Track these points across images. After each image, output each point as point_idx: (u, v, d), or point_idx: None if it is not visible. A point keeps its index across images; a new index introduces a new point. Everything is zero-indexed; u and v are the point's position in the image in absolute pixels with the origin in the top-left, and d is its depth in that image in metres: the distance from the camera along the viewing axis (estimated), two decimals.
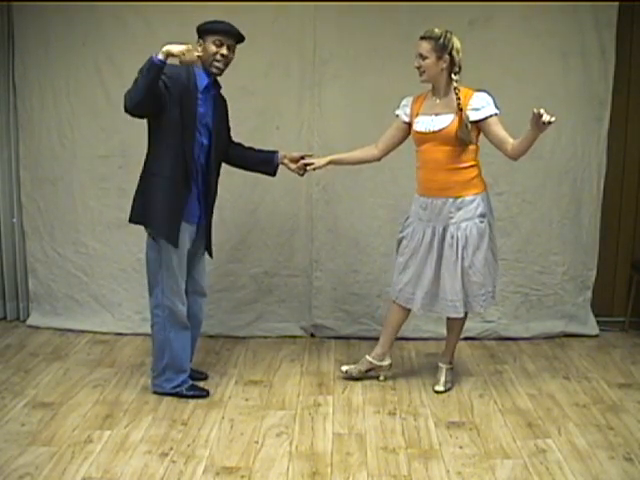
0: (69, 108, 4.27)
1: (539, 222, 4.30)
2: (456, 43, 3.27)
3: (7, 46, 4.29)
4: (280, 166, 3.65)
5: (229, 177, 4.18)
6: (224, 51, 3.35)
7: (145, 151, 3.40)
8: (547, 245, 4.32)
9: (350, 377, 3.67)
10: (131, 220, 3.41)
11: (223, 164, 3.59)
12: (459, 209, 3.34)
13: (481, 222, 3.35)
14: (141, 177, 3.40)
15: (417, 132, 3.38)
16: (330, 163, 3.62)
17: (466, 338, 4.32)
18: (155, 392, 3.50)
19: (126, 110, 3.16)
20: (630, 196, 4.46)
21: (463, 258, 3.35)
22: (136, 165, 4.15)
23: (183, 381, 3.49)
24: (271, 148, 3.69)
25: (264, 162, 3.64)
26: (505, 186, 4.25)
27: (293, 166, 3.63)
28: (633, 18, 4.22)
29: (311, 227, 4.31)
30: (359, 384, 3.67)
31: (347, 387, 3.64)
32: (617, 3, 4.12)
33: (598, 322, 4.44)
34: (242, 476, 2.77)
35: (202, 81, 3.36)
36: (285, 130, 4.21)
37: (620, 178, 4.41)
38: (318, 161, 3.61)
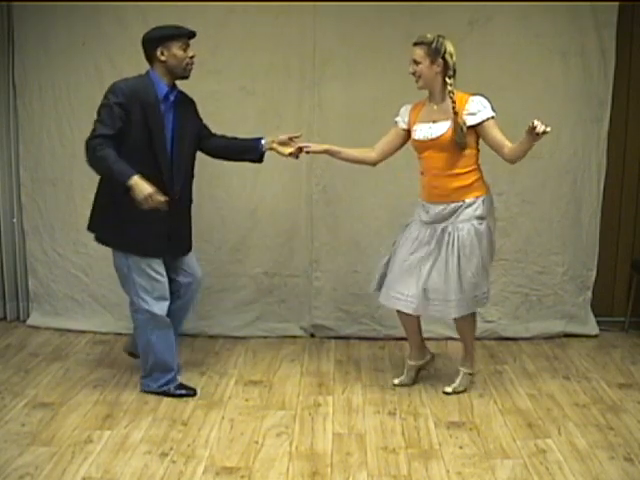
0: (69, 108, 4.27)
1: (539, 222, 4.30)
2: (449, 47, 3.27)
3: (7, 46, 4.28)
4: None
5: (229, 177, 4.19)
6: (191, 53, 3.35)
7: None
8: (547, 245, 4.32)
9: (406, 384, 3.65)
10: (101, 241, 3.45)
11: (212, 158, 3.65)
12: (458, 211, 3.35)
13: (479, 224, 3.34)
14: (106, 196, 3.34)
15: (416, 140, 3.40)
16: (326, 152, 3.61)
17: None
18: (144, 391, 3.51)
19: (88, 146, 3.19)
20: (630, 196, 4.46)
21: (459, 258, 3.34)
22: None
23: (169, 380, 3.49)
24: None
25: (248, 150, 3.62)
26: (505, 186, 4.24)
27: (287, 150, 3.57)
28: (633, 18, 4.22)
29: (311, 227, 4.31)
30: (359, 384, 3.67)
31: (347, 387, 3.64)
32: (617, 3, 4.12)
33: (598, 322, 4.43)
34: (242, 476, 2.77)
35: (162, 90, 3.34)
36: (285, 130, 4.17)
37: (620, 178, 4.41)
38: (315, 146, 3.60)
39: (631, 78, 4.30)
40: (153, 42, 3.30)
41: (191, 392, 3.52)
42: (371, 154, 3.58)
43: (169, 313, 3.46)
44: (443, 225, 3.37)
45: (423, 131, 3.36)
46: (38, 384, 3.61)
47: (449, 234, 3.35)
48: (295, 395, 3.53)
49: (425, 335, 4.28)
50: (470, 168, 3.36)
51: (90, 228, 3.47)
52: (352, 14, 4.08)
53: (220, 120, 4.11)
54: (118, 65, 4.17)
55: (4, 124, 4.38)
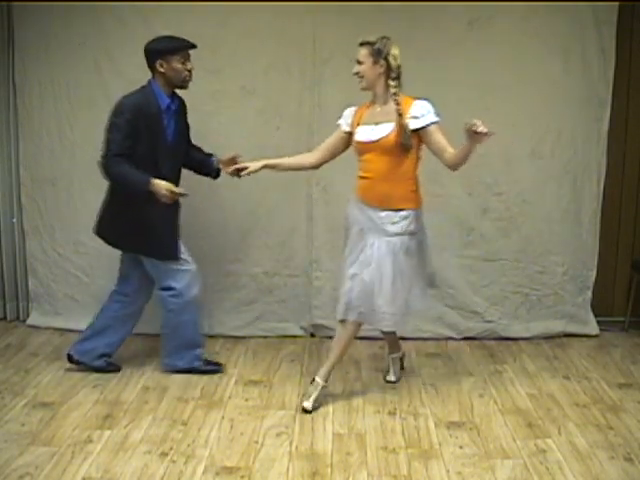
0: (69, 107, 4.26)
1: (539, 222, 4.30)
2: (393, 49, 3.23)
3: (7, 46, 4.28)
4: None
5: (229, 177, 4.18)
6: (190, 66, 3.47)
7: None
8: (547, 245, 4.32)
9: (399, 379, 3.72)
10: (125, 249, 3.66)
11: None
12: (393, 223, 3.28)
13: (410, 240, 3.30)
14: (125, 207, 3.53)
15: (357, 142, 3.35)
16: (265, 167, 3.54)
17: (466, 338, 4.33)
18: (168, 371, 3.67)
19: (105, 163, 3.44)
20: (630, 196, 4.46)
21: (393, 271, 3.26)
22: None
23: (197, 356, 3.69)
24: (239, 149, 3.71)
25: (204, 163, 3.73)
26: (505, 186, 4.25)
27: (228, 170, 3.60)
28: (633, 17, 4.22)
29: (311, 227, 4.30)
30: (359, 384, 3.67)
31: (347, 387, 3.64)
32: (617, 3, 4.12)
33: (598, 322, 4.43)
34: (242, 476, 2.77)
35: (164, 102, 3.47)
36: (285, 130, 4.20)
37: (620, 178, 4.41)
38: (253, 165, 3.53)
39: (631, 77, 4.30)
40: (153, 54, 3.42)
41: (218, 367, 3.77)
42: (309, 159, 3.54)
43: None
44: (376, 236, 3.29)
45: (365, 133, 3.31)
46: (38, 384, 3.61)
47: (378, 247, 3.27)
48: (295, 395, 3.53)
49: (425, 335, 4.32)
50: (408, 176, 3.29)
51: (110, 241, 3.69)
52: (352, 14, 4.08)
53: (220, 120, 4.13)
54: (117, 63, 4.17)
55: (4, 123, 4.38)
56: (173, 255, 3.57)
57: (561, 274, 4.35)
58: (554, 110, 4.18)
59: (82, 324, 4.38)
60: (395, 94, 3.26)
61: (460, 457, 2.92)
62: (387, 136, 3.24)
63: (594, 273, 4.40)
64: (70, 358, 3.75)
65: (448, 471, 2.81)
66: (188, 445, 3.01)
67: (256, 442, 3.05)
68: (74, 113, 4.28)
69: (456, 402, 3.46)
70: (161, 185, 3.37)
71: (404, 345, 3.81)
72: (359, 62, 3.28)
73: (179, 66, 3.42)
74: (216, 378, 3.72)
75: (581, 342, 4.31)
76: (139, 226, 3.52)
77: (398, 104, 3.24)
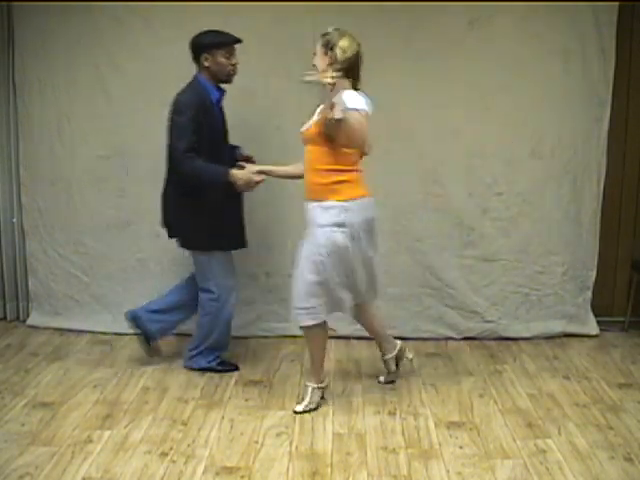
0: (69, 107, 4.26)
1: (539, 222, 4.30)
2: (342, 41, 3.19)
3: (7, 46, 4.28)
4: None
5: None
6: (234, 60, 3.50)
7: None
8: (547, 245, 4.32)
9: (392, 381, 3.69)
10: (196, 248, 3.63)
11: None
12: (320, 214, 3.22)
13: (342, 232, 3.17)
14: (191, 206, 3.53)
15: (300, 133, 3.36)
16: (261, 172, 3.54)
17: (466, 338, 4.33)
18: (189, 368, 3.74)
19: (178, 161, 3.40)
20: (630, 196, 4.45)
21: (315, 266, 3.20)
22: (136, 165, 4.15)
23: (217, 357, 3.72)
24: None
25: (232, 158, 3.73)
26: (505, 186, 4.24)
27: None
28: (633, 18, 4.21)
29: None
30: (359, 384, 3.67)
31: (347, 387, 3.64)
32: (617, 3, 4.11)
33: (598, 322, 4.43)
34: (242, 476, 2.77)
35: (214, 95, 3.51)
36: (285, 130, 4.20)
37: (620, 178, 4.41)
38: (250, 167, 3.55)
39: (631, 78, 4.30)
40: (199, 48, 3.45)
41: (233, 368, 3.78)
42: (301, 167, 3.49)
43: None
44: (309, 228, 3.26)
45: (306, 124, 3.32)
46: (38, 384, 3.61)
47: (308, 240, 3.24)
48: (295, 395, 3.53)
49: (425, 335, 4.31)
50: (338, 167, 3.21)
51: (197, 246, 3.64)
52: (352, 14, 4.07)
53: None
54: (116, 62, 4.17)
55: (4, 123, 4.37)
56: (242, 243, 3.68)
57: (561, 274, 4.35)
58: (554, 110, 4.18)
59: (82, 324, 4.41)
60: (331, 84, 3.11)
61: (460, 457, 2.92)
62: (312, 125, 3.25)
63: (594, 273, 4.39)
64: (133, 317, 3.75)
65: (448, 471, 2.81)
66: (188, 445, 3.01)
67: (256, 442, 3.05)
68: (74, 113, 4.27)
69: (456, 402, 3.46)
70: (238, 175, 3.40)
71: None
72: (314, 54, 3.30)
73: (223, 60, 3.45)
74: (216, 378, 3.72)
75: (581, 342, 4.31)
76: (209, 220, 3.51)
77: (330, 91, 3.12)
